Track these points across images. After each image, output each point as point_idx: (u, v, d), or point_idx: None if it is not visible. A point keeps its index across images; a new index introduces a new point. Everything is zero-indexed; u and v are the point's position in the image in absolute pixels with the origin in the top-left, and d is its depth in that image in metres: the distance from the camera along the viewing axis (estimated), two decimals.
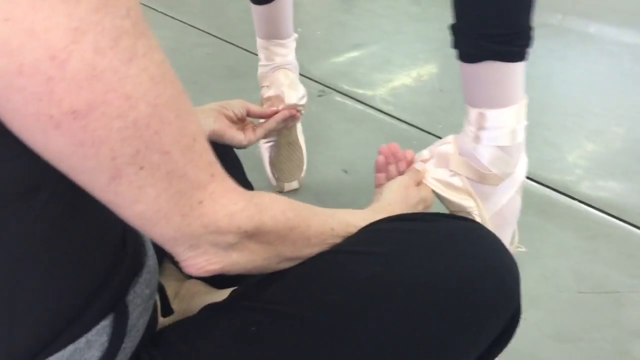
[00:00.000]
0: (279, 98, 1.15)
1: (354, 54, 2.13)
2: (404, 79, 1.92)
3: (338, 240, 0.59)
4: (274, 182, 1.34)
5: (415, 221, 0.63)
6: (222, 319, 0.55)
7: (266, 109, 0.99)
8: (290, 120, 1.02)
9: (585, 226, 1.22)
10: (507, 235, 0.97)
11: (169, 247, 0.46)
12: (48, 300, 0.44)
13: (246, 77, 1.95)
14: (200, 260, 0.47)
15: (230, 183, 0.47)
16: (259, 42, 1.25)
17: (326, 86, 1.87)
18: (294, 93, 1.16)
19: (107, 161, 0.38)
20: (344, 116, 1.70)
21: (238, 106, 0.93)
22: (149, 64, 0.39)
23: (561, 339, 0.96)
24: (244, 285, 0.61)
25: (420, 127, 1.61)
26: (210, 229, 0.45)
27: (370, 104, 1.75)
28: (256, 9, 1.20)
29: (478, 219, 0.93)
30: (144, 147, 0.39)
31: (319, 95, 1.81)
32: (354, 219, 0.63)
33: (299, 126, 1.29)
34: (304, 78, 1.86)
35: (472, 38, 0.83)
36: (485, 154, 0.88)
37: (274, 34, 1.22)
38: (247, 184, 1.00)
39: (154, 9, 2.64)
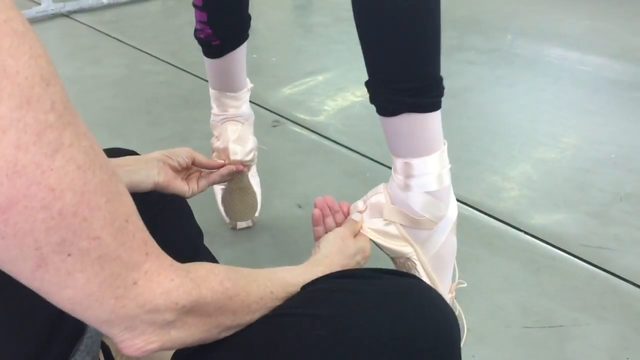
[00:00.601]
0: (225, 152, 1.16)
1: (309, 81, 2.15)
2: (359, 108, 1.95)
3: (278, 303, 0.60)
4: (227, 220, 1.34)
5: (356, 279, 0.65)
6: None
7: (212, 161, 0.98)
8: (236, 174, 1.02)
9: (530, 258, 1.26)
10: (448, 274, 1.01)
11: (103, 329, 0.46)
12: None
13: (200, 107, 1.95)
14: (138, 341, 0.47)
15: (165, 259, 0.48)
16: (211, 92, 1.25)
17: (281, 116, 1.88)
18: (240, 149, 1.17)
19: (31, 251, 0.39)
20: (299, 147, 1.71)
21: (183, 155, 0.92)
22: (76, 153, 0.39)
23: None
24: (185, 352, 0.61)
25: (374, 158, 1.63)
26: (147, 308, 0.46)
27: (324, 135, 1.77)
28: (208, 61, 1.21)
29: (417, 263, 0.97)
30: (71, 235, 0.40)
31: (274, 126, 1.82)
32: (293, 278, 0.64)
33: (251, 171, 1.30)
34: (259, 108, 1.87)
35: (387, 93, 0.87)
36: (417, 201, 0.92)
37: (226, 86, 1.22)
38: (195, 230, 1.00)
39: (106, 34, 2.62)
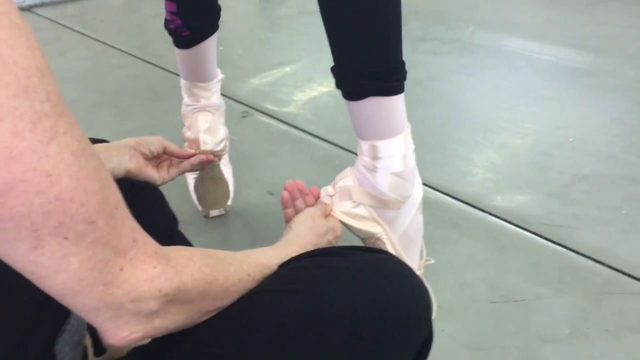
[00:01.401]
0: (196, 142, 1.17)
1: (276, 72, 2.17)
2: (326, 97, 1.98)
3: (255, 284, 0.62)
4: (200, 208, 1.36)
5: (331, 256, 0.67)
6: None
7: (183, 150, 1.00)
8: (206, 163, 1.04)
9: (495, 238, 1.31)
10: (416, 252, 1.05)
11: (89, 318, 0.47)
12: None
13: (168, 99, 1.95)
14: (122, 331, 0.48)
15: (150, 246, 0.49)
16: (182, 82, 1.26)
17: (250, 107, 1.90)
18: (211, 139, 1.19)
19: (28, 233, 0.40)
20: (268, 137, 1.74)
21: (155, 143, 0.93)
22: (70, 141, 0.41)
23: (475, 348, 1.04)
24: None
25: (343, 145, 1.67)
26: (132, 297, 0.47)
27: (293, 124, 1.80)
28: (178, 52, 1.22)
29: (387, 242, 1.00)
30: (68, 219, 0.41)
31: (243, 117, 1.84)
32: (267, 259, 0.66)
33: (223, 160, 1.31)
34: (228, 99, 1.88)
35: (352, 77, 0.91)
36: (383, 182, 0.96)
37: (197, 77, 1.23)
38: (169, 216, 1.01)
39: (69, 27, 2.59)
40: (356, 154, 1.00)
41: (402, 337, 0.61)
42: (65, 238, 0.41)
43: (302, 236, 0.82)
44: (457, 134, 1.75)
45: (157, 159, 0.96)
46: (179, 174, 0.99)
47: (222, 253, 0.61)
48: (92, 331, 0.65)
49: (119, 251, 0.45)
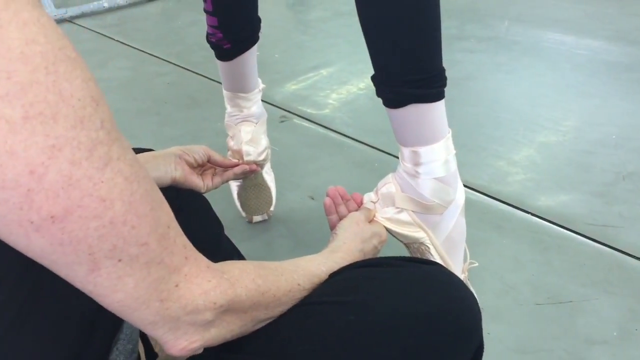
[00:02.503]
0: (239, 152, 1.20)
1: (312, 76, 2.19)
2: (363, 99, 1.99)
3: (306, 293, 0.64)
4: (243, 214, 1.39)
5: (381, 267, 0.68)
6: None
7: (226, 160, 1.02)
8: (249, 172, 1.07)
9: (538, 239, 1.30)
10: (460, 255, 1.05)
11: (149, 331, 0.49)
12: None
13: (208, 106, 1.99)
14: (182, 341, 0.50)
15: (203, 261, 0.51)
16: (225, 93, 1.29)
17: (288, 111, 1.93)
18: (253, 150, 1.22)
19: (85, 256, 0.42)
20: (307, 141, 1.76)
21: (200, 152, 0.96)
22: (123, 166, 0.43)
23: (523, 351, 1.04)
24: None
25: (381, 148, 1.68)
26: (188, 309, 0.49)
27: (331, 127, 1.81)
28: (220, 64, 1.25)
29: (430, 246, 1.01)
30: (121, 242, 0.43)
31: (281, 121, 1.86)
32: (316, 267, 0.68)
33: (265, 168, 1.34)
34: (265, 104, 1.91)
35: (393, 86, 0.92)
36: (426, 187, 0.97)
37: (238, 88, 1.26)
38: (215, 222, 1.03)
39: (110, 37, 2.65)
40: (395, 156, 1.01)
41: (452, 349, 0.62)
42: (120, 260, 0.43)
43: (347, 242, 0.84)
44: (496, 134, 1.74)
45: (202, 167, 0.98)
46: (223, 183, 1.02)
47: (273, 264, 0.63)
48: (144, 338, 0.67)
49: (173, 269, 0.47)
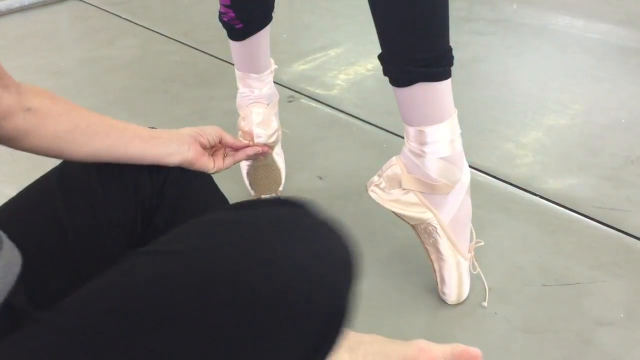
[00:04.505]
0: (250, 134, 1.20)
1: (320, 56, 2.18)
2: (371, 80, 1.98)
3: None
4: (252, 192, 1.39)
5: (242, 209, 0.59)
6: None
7: (238, 141, 1.03)
8: (261, 154, 1.07)
9: (546, 221, 1.31)
10: (466, 235, 1.07)
11: None
12: None
13: (217, 85, 1.99)
14: None
15: None
16: (237, 73, 1.29)
17: (295, 91, 1.92)
18: (264, 132, 1.22)
19: None
20: (315, 121, 1.76)
21: (212, 134, 0.96)
22: None
23: (529, 331, 1.05)
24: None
25: (389, 129, 1.67)
26: None
27: (339, 108, 1.81)
28: (232, 44, 1.24)
29: (437, 226, 1.02)
30: None
31: (289, 101, 1.86)
32: None
33: (276, 149, 1.34)
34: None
35: (401, 64, 0.93)
36: (432, 167, 0.98)
37: (250, 68, 1.26)
38: (220, 200, 1.01)
39: (117, 15, 2.64)
40: (402, 137, 1.02)
41: (294, 314, 0.50)
42: None
43: None
44: (504, 117, 1.74)
45: (213, 148, 0.99)
46: (234, 164, 1.02)
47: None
48: None
49: None
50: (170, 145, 0.87)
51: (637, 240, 1.24)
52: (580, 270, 1.17)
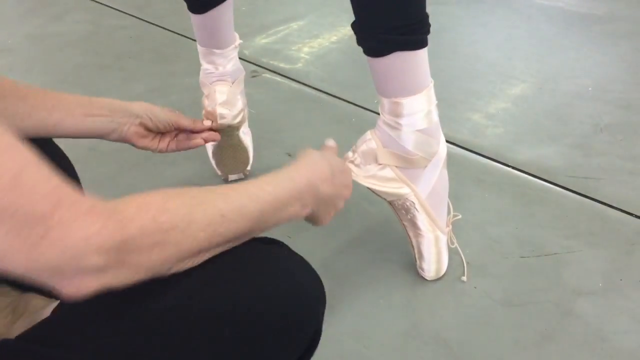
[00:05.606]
0: (213, 114, 1.13)
1: (282, 29, 2.12)
2: (335, 53, 1.93)
3: (234, 225, 0.57)
4: (218, 172, 1.33)
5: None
6: None
7: (197, 123, 0.97)
8: (212, 140, 1.02)
9: (520, 192, 1.29)
10: (444, 209, 1.04)
11: (33, 277, 0.45)
12: None
13: (175, 60, 1.90)
14: (75, 284, 0.46)
15: (83, 204, 0.46)
16: (199, 48, 1.22)
17: (259, 66, 1.86)
18: (228, 112, 1.16)
19: None
20: (281, 96, 1.70)
21: (165, 121, 0.91)
22: None
23: (510, 304, 1.03)
24: (36, 326, 0.58)
25: (357, 103, 1.63)
26: (68, 255, 0.44)
27: (305, 82, 1.76)
28: (193, 17, 1.17)
29: (415, 202, 0.99)
30: None
31: (253, 76, 1.79)
32: (259, 187, 0.61)
33: (243, 128, 1.27)
34: None
35: (377, 33, 0.88)
36: (408, 140, 0.94)
37: (213, 43, 1.18)
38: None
39: None
40: (372, 111, 0.97)
41: (277, 341, 0.57)
42: None
43: (309, 154, 0.73)
44: (472, 87, 1.71)
45: (165, 131, 0.94)
46: (177, 150, 0.97)
47: (198, 190, 0.56)
48: None
49: (38, 215, 0.43)
50: (109, 125, 0.84)
51: (610, 209, 1.24)
52: (556, 240, 1.16)
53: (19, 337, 0.54)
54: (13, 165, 0.43)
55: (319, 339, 0.64)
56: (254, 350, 0.56)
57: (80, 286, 0.46)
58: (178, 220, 0.51)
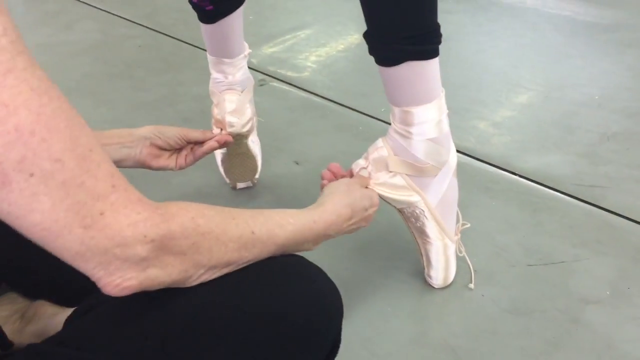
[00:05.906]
0: (223, 123, 1.16)
1: (290, 38, 2.13)
2: (343, 62, 1.94)
3: (261, 245, 0.60)
4: (227, 180, 1.34)
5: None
6: None
7: (206, 134, 0.98)
8: (230, 143, 1.03)
9: (527, 200, 1.30)
10: (453, 217, 1.05)
11: (78, 264, 0.46)
12: None
13: (183, 69, 1.92)
14: (115, 278, 0.48)
15: (133, 194, 0.48)
16: (209, 57, 1.23)
17: (266, 74, 1.87)
18: (237, 121, 1.18)
19: None
20: (288, 105, 1.71)
21: (174, 136, 0.92)
22: (30, 77, 0.42)
23: (517, 312, 1.04)
24: (63, 330, 0.60)
25: (364, 111, 1.64)
26: (116, 241, 0.46)
27: (312, 91, 1.77)
28: (203, 27, 1.18)
29: (425, 210, 1.00)
30: (31, 153, 0.42)
31: (261, 85, 1.81)
32: (282, 218, 0.64)
33: (251, 137, 1.28)
34: None
35: (389, 43, 0.89)
36: (419, 149, 0.95)
37: (222, 52, 1.20)
38: None
39: None
40: (378, 120, 0.98)
41: (297, 350, 0.59)
42: (32, 175, 0.42)
43: (333, 197, 0.80)
44: (479, 96, 1.72)
45: (179, 148, 0.95)
46: (196, 161, 0.98)
47: (230, 209, 0.59)
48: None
49: (97, 195, 0.45)
50: (121, 151, 0.86)
51: (618, 217, 1.24)
52: (564, 249, 1.16)
53: (46, 341, 0.55)
54: (87, 142, 0.45)
55: (337, 351, 0.65)
56: (277, 356, 0.57)
57: (122, 281, 0.48)
58: (213, 226, 0.54)
